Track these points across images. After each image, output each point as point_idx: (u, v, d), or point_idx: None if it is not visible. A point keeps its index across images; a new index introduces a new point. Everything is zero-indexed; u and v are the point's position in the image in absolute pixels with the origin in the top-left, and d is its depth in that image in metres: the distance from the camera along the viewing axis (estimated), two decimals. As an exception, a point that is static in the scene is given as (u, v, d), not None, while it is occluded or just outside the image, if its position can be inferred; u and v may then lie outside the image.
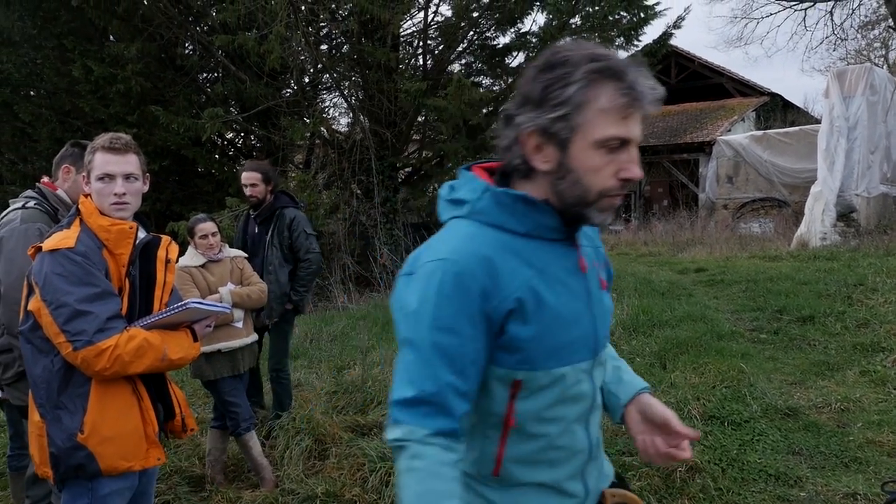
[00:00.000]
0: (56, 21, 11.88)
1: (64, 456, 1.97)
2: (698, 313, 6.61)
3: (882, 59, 25.36)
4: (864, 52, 24.99)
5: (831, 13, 21.10)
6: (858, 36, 22.86)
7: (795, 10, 21.96)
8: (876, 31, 22.18)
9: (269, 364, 4.33)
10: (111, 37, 12.46)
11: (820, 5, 21.42)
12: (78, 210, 2.11)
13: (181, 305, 2.14)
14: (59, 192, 2.76)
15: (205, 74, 13.36)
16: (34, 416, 2.04)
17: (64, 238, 2.00)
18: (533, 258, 1.18)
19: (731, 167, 18.50)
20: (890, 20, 18.74)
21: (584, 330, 1.25)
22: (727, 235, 13.81)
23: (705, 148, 19.74)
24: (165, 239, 2.27)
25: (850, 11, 25.82)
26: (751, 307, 7.01)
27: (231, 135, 13.96)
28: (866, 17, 22.21)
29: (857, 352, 5.23)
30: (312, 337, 7.00)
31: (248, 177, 4.10)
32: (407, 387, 1.13)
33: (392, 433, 1.14)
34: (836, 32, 25.32)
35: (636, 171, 1.15)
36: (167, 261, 2.25)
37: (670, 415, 1.32)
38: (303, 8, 10.59)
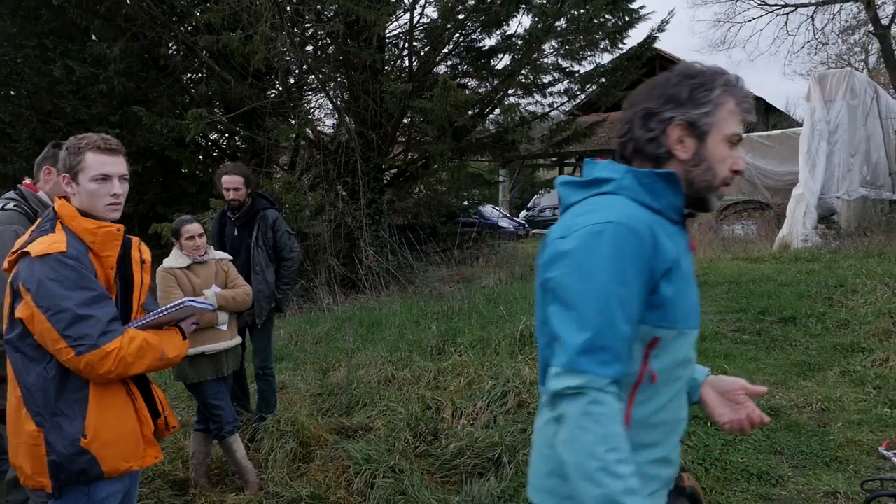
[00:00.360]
0: (37, 20, 11.74)
1: (67, 462, 1.94)
2: (682, 314, 6.66)
3: (862, 63, 25.70)
4: (845, 57, 25.31)
5: (812, 18, 21.40)
6: (839, 40, 23.19)
7: (778, 15, 22.24)
8: (856, 36, 22.50)
9: (255, 363, 4.33)
10: (93, 36, 12.33)
11: (801, 10, 21.70)
12: (56, 213, 2.07)
13: (178, 304, 2.16)
14: (40, 193, 2.72)
15: (189, 75, 13.23)
16: (28, 425, 1.98)
17: (54, 242, 1.96)
18: (667, 230, 1.37)
19: (715, 169, 18.64)
20: (870, 25, 18.99)
21: (696, 301, 1.44)
22: (711, 237, 13.94)
23: (689, 150, 19.89)
24: (136, 240, 2.26)
25: (831, 16, 26.17)
26: (734, 308, 7.08)
27: (215, 136, 13.84)
28: (846, 21, 22.53)
29: (838, 352, 5.30)
30: (297, 339, 6.97)
31: (232, 181, 4.11)
32: (585, 334, 1.22)
33: (569, 381, 1.21)
34: (817, 37, 25.62)
35: (742, 165, 1.43)
36: (142, 261, 2.24)
37: (742, 380, 1.58)
38: (288, 9, 10.52)
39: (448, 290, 9.26)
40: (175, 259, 3.55)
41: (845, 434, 3.83)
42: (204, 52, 11.13)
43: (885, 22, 18.41)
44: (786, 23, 26.33)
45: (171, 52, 12.12)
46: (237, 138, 13.57)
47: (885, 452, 2.94)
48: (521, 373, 4.60)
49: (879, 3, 18.86)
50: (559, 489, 1.35)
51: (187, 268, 3.54)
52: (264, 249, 4.21)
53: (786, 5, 21.84)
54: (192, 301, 2.20)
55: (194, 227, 3.57)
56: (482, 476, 3.48)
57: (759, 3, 22.30)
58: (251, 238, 4.19)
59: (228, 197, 4.15)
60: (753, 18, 26.93)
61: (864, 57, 25.60)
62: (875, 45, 21.16)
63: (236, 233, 4.25)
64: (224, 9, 9.60)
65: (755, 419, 1.55)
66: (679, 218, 1.42)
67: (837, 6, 20.88)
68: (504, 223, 20.53)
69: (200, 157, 13.40)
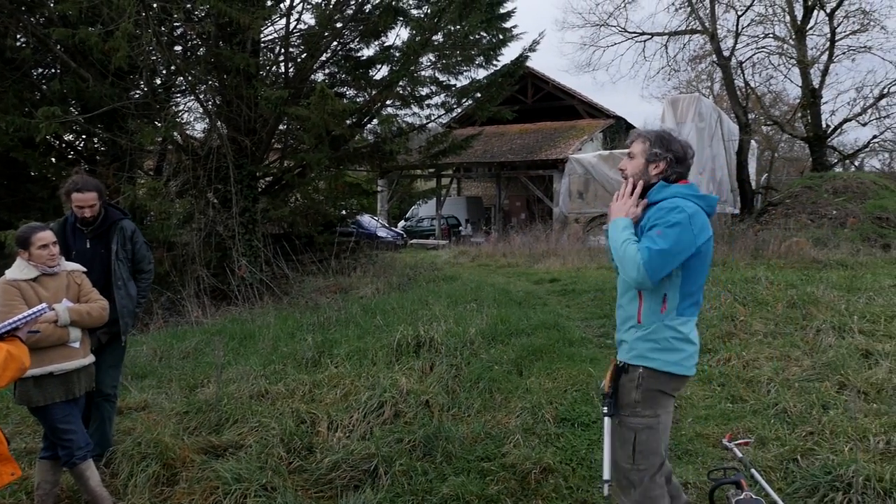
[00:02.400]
0: None
1: None
2: (552, 321, 6.97)
3: (708, 89, 28.30)
4: (694, 83, 27.76)
5: (666, 46, 23.26)
6: (689, 68, 25.38)
7: (636, 42, 23.98)
8: (703, 65, 24.72)
9: (105, 382, 3.84)
10: (-77, 22, 11.02)
11: (657, 39, 23.54)
12: None
13: (40, 310, 2.18)
14: None
15: (40, 70, 12.16)
16: None
17: None
18: None
19: (582, 183, 19.75)
20: (714, 56, 20.95)
21: None
22: (578, 248, 14.71)
23: (559, 165, 20.95)
24: None
25: (682, 46, 28.61)
26: (598, 314, 7.51)
27: (70, 137, 12.79)
28: (695, 51, 24.73)
29: (688, 354, 5.75)
30: (162, 354, 6.56)
31: (86, 199, 3.75)
32: None
33: None
34: (670, 64, 27.97)
35: None
36: None
37: None
38: (154, 5, 9.95)
39: (325, 300, 9.12)
40: (20, 270, 3.23)
41: (694, 429, 4.18)
42: (58, 46, 10.27)
43: (726, 53, 20.39)
44: (643, 49, 28.54)
45: (19, 44, 11.06)
46: (95, 140, 12.62)
47: (728, 444, 3.24)
48: (398, 382, 4.61)
49: (722, 36, 20.89)
50: None
51: (34, 280, 3.24)
52: (125, 263, 3.94)
53: (643, 33, 23.61)
54: (38, 311, 2.18)
55: (47, 235, 3.27)
56: (358, 488, 3.45)
57: (619, 29, 23.95)
58: (108, 251, 3.90)
59: (83, 215, 3.82)
60: (615, 44, 28.96)
61: (709, 84, 28.20)
62: (719, 74, 23.36)
63: (88, 245, 3.92)
64: (82, 1, 8.92)
65: None
66: None
67: (687, 37, 22.89)
68: (382, 233, 20.54)
69: (52, 159, 12.34)
